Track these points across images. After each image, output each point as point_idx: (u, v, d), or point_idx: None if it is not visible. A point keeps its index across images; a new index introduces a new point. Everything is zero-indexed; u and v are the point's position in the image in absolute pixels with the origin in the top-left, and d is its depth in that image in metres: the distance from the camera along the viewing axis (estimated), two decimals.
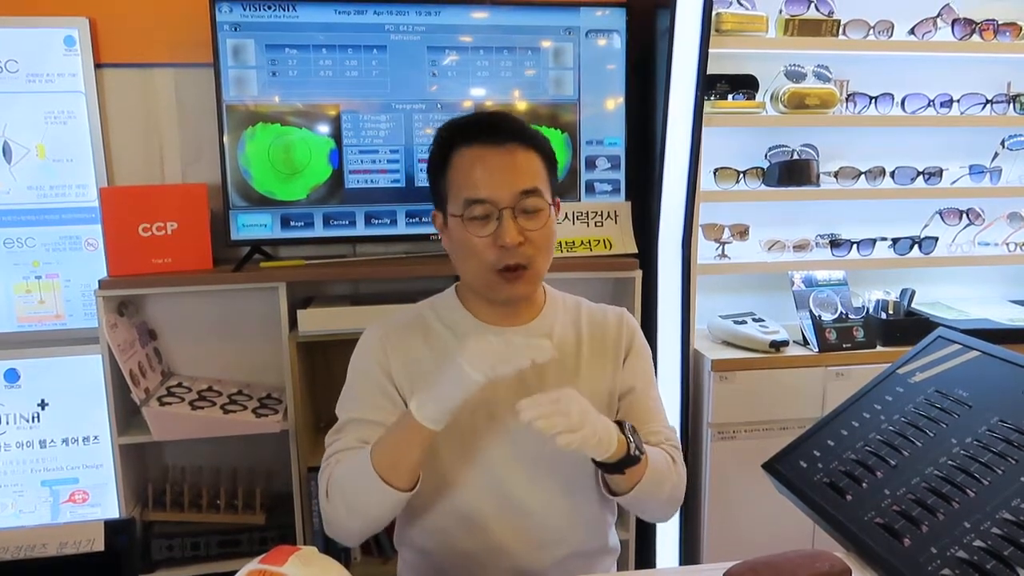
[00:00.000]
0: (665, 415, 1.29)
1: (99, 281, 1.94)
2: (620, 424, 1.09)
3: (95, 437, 2.19)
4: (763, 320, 2.22)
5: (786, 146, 2.27)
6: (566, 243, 2.08)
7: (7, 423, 2.16)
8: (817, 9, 2.14)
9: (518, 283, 1.15)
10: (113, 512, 2.11)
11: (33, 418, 2.17)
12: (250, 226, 2.06)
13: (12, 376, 2.15)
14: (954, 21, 2.21)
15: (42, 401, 2.17)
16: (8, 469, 2.18)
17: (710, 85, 2.12)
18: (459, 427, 1.16)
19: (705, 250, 2.21)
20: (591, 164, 2.18)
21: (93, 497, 2.22)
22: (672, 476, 1.19)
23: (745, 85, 2.19)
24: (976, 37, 2.21)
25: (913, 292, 2.26)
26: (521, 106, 2.13)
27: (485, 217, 1.12)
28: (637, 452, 1.08)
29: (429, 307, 1.27)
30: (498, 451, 1.18)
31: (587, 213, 2.11)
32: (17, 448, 2.17)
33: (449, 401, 1.03)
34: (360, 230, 2.12)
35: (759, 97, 2.20)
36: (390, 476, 1.06)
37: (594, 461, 1.09)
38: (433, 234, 2.13)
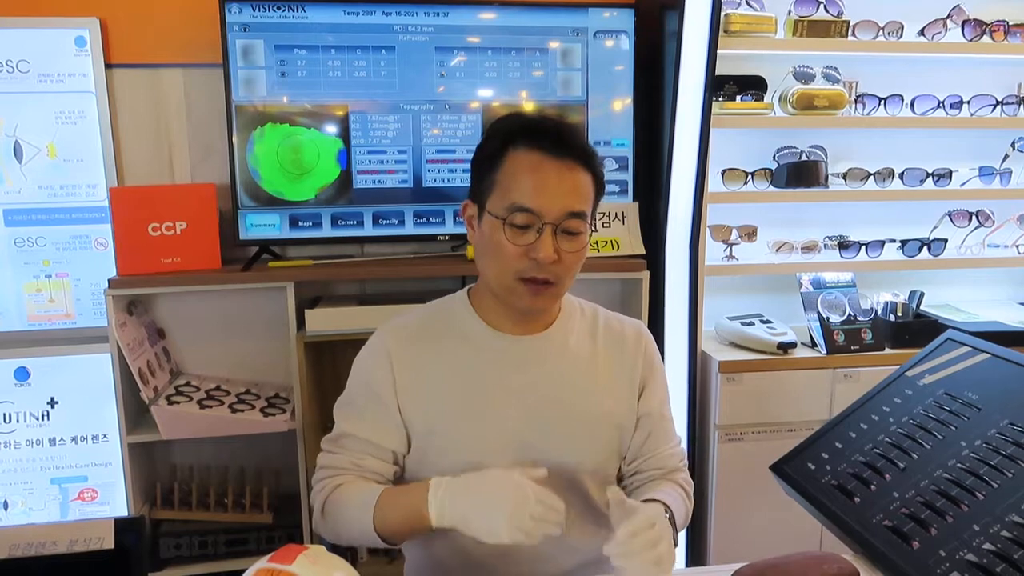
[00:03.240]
0: (675, 425, 1.31)
1: (108, 280, 1.95)
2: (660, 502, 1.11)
3: (104, 435, 2.20)
4: (771, 322, 2.22)
5: (794, 147, 2.27)
6: None
7: (17, 421, 2.17)
8: (826, 10, 2.14)
9: (540, 297, 1.13)
10: (121, 510, 2.12)
11: (43, 416, 2.19)
12: (258, 226, 2.07)
13: (22, 374, 2.16)
14: (964, 22, 2.20)
15: (52, 399, 2.18)
16: (18, 467, 2.19)
17: (718, 86, 2.11)
18: (467, 437, 1.16)
19: (713, 251, 2.20)
20: None
21: (102, 495, 2.24)
22: (686, 509, 1.22)
23: (753, 86, 2.19)
24: (986, 38, 2.20)
25: (922, 294, 2.25)
26: (529, 107, 2.13)
27: (526, 226, 1.09)
28: (675, 536, 1.10)
29: (440, 311, 1.25)
30: (506, 460, 1.15)
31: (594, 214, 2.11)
32: (27, 446, 2.19)
33: (464, 525, 1.01)
34: (368, 230, 2.12)
35: (767, 98, 2.20)
36: (389, 537, 1.09)
37: None
38: (441, 235, 2.14)
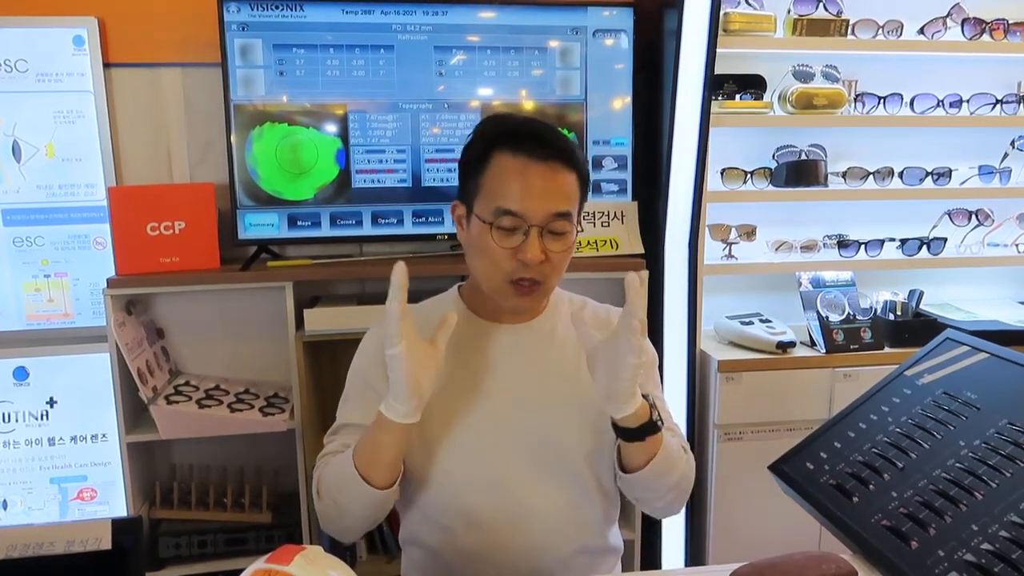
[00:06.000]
0: (670, 414, 1.30)
1: (107, 280, 1.95)
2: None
3: (103, 435, 2.20)
4: (770, 321, 2.22)
5: (794, 146, 2.26)
6: None
7: (16, 421, 2.17)
8: (826, 9, 2.13)
9: (528, 297, 1.16)
10: (121, 509, 2.12)
11: (42, 416, 2.19)
12: (257, 225, 2.07)
13: (21, 374, 2.16)
14: (964, 21, 2.19)
15: (51, 399, 2.18)
16: (17, 466, 2.19)
17: (718, 85, 2.11)
18: (459, 425, 1.17)
19: (712, 250, 2.20)
20: (598, 164, 2.18)
21: (101, 495, 2.24)
22: (682, 462, 1.20)
23: (753, 85, 2.18)
24: (986, 37, 2.20)
25: (921, 293, 2.25)
26: (528, 106, 2.13)
27: (512, 229, 1.11)
28: (659, 421, 1.10)
29: (431, 307, 1.28)
30: (499, 448, 1.18)
31: (594, 213, 2.11)
32: (26, 445, 2.19)
33: (398, 389, 1.04)
34: (367, 230, 2.12)
35: (767, 97, 2.20)
36: (368, 473, 1.08)
37: (615, 429, 1.09)
38: (440, 234, 2.14)
